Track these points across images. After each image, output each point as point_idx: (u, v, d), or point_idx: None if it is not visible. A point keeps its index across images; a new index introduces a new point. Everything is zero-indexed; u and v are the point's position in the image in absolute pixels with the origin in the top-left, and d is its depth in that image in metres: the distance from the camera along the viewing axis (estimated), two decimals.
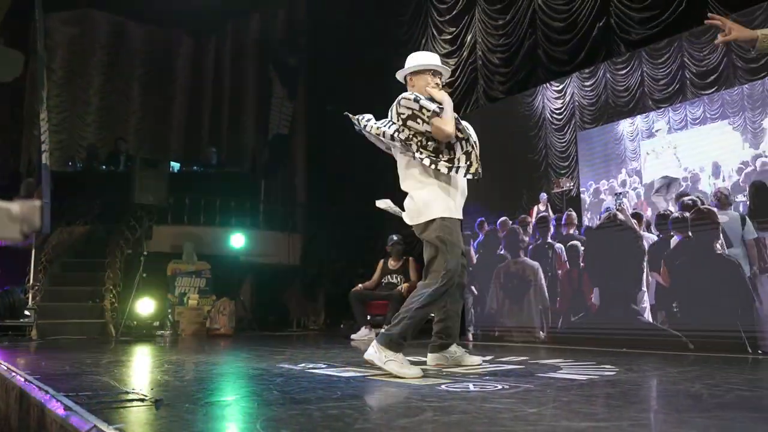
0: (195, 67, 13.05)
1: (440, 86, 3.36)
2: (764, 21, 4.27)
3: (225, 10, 11.37)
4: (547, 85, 5.93)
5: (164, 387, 2.63)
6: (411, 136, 3.09)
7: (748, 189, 4.29)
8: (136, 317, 7.58)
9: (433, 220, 3.09)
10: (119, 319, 7.41)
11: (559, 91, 5.76)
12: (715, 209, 4.43)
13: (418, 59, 3.42)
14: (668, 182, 4.83)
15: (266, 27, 11.98)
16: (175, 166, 10.11)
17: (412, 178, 3.16)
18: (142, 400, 2.11)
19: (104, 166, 10.24)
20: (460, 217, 3.26)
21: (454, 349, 3.43)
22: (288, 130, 11.26)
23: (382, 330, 3.68)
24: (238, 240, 9.08)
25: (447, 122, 3.05)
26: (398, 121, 3.13)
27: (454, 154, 3.12)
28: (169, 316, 7.96)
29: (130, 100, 12.45)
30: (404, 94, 3.20)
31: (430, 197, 3.10)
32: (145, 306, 7.66)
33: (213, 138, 12.48)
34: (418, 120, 3.08)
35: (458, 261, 3.05)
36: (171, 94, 12.81)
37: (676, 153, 4.79)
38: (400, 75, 3.46)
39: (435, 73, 3.36)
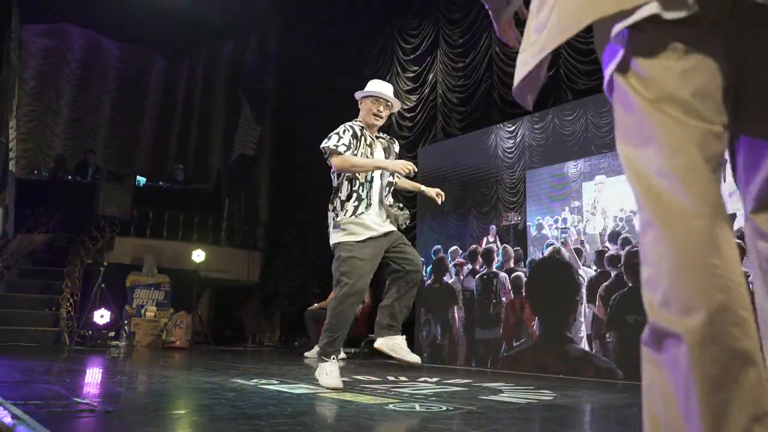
0: (166, 86, 12.87)
1: (381, 114, 3.46)
2: None
3: (199, 33, 11.31)
4: (501, 125, 6.07)
5: (115, 398, 2.53)
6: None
7: None
8: (92, 327, 7.29)
9: None
10: (75, 327, 7.12)
11: (511, 132, 5.91)
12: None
13: (367, 86, 3.58)
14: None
15: (238, 51, 11.95)
16: (141, 180, 9.90)
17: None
18: (92, 410, 2.02)
19: (69, 177, 9.93)
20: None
21: (399, 340, 3.31)
22: (254, 152, 11.18)
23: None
24: (198, 255, 8.89)
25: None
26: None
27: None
28: (126, 327, 7.70)
29: (100, 113, 12.17)
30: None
31: None
32: (101, 316, 7.38)
33: (180, 155, 12.28)
34: None
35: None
36: (141, 110, 12.59)
37: (614, 195, 4.95)
38: (357, 95, 3.61)
39: (377, 100, 3.47)
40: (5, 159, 6.45)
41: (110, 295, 7.46)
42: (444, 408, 2.44)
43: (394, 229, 3.34)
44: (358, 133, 3.39)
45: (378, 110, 3.44)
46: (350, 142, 3.33)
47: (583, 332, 4.89)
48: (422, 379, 3.84)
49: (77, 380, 3.35)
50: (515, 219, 5.69)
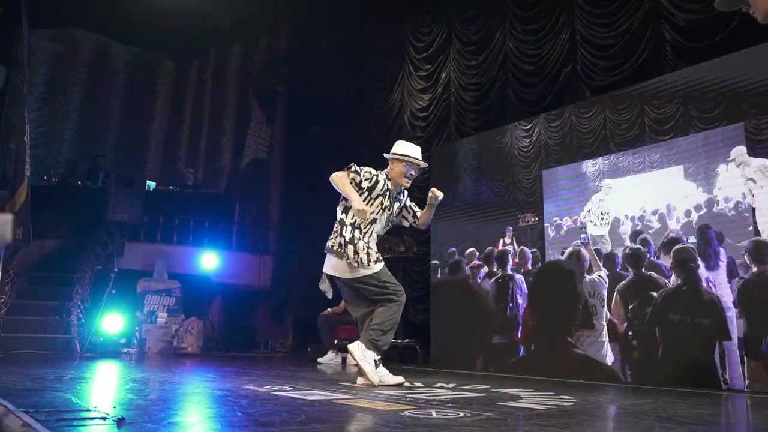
0: (176, 89, 12.97)
1: (413, 177, 3.84)
2: (719, 74, 4.44)
3: (208, 35, 11.39)
4: (516, 124, 6.04)
5: (127, 405, 2.54)
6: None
7: (697, 231, 4.41)
8: (102, 333, 7.36)
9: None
10: (85, 334, 7.19)
11: (527, 130, 5.87)
12: (690, 246, 4.52)
13: (397, 148, 3.85)
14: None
15: (248, 54, 12.02)
16: (151, 184, 9.97)
17: None
18: (103, 418, 2.03)
19: (79, 182, 10.04)
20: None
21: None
22: (265, 155, 11.24)
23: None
24: (209, 260, 8.94)
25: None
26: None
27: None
28: (137, 333, 7.76)
29: (109, 118, 12.28)
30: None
31: None
32: (112, 322, 7.44)
33: (190, 159, 12.37)
34: None
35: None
36: (150, 114, 12.69)
37: (635, 194, 4.90)
38: (389, 156, 3.89)
39: (410, 164, 3.78)
40: (17, 163, 6.53)
41: (121, 301, 7.52)
42: (461, 415, 2.42)
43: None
44: (381, 183, 3.72)
45: (410, 174, 3.79)
46: (367, 183, 3.70)
47: (605, 336, 4.84)
48: (438, 384, 3.82)
49: (88, 388, 3.38)
50: (532, 220, 5.65)
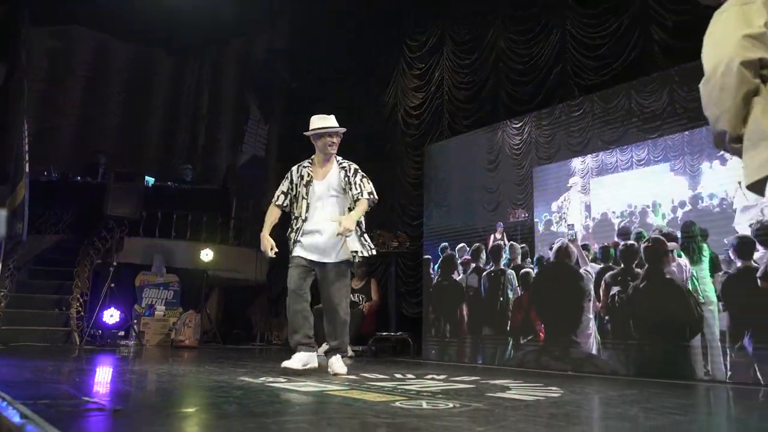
0: (174, 86, 12.92)
1: (335, 144, 3.97)
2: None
3: (207, 32, 11.34)
4: (507, 122, 6.05)
5: (125, 397, 2.55)
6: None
7: (681, 227, 4.44)
8: (101, 326, 7.35)
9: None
10: (85, 327, 7.19)
11: (518, 129, 5.88)
12: (668, 240, 4.55)
13: (312, 125, 3.98)
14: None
15: (246, 50, 11.97)
16: (150, 180, 9.94)
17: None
18: (101, 409, 2.04)
19: (79, 178, 9.99)
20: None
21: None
22: (263, 152, 11.22)
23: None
24: (207, 254, 8.93)
25: None
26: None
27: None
28: (135, 326, 7.75)
29: (108, 114, 12.23)
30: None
31: None
32: (111, 315, 7.44)
33: (188, 155, 12.33)
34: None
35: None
36: (149, 110, 12.64)
37: (622, 190, 4.93)
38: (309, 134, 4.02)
39: (331, 134, 3.93)
40: (17, 160, 6.51)
41: (120, 294, 7.51)
42: (451, 405, 2.44)
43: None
44: (294, 173, 4.13)
45: (331, 142, 3.93)
46: (287, 188, 4.18)
47: (592, 329, 4.87)
48: (429, 376, 3.85)
49: (87, 379, 3.39)
50: (522, 216, 5.67)
